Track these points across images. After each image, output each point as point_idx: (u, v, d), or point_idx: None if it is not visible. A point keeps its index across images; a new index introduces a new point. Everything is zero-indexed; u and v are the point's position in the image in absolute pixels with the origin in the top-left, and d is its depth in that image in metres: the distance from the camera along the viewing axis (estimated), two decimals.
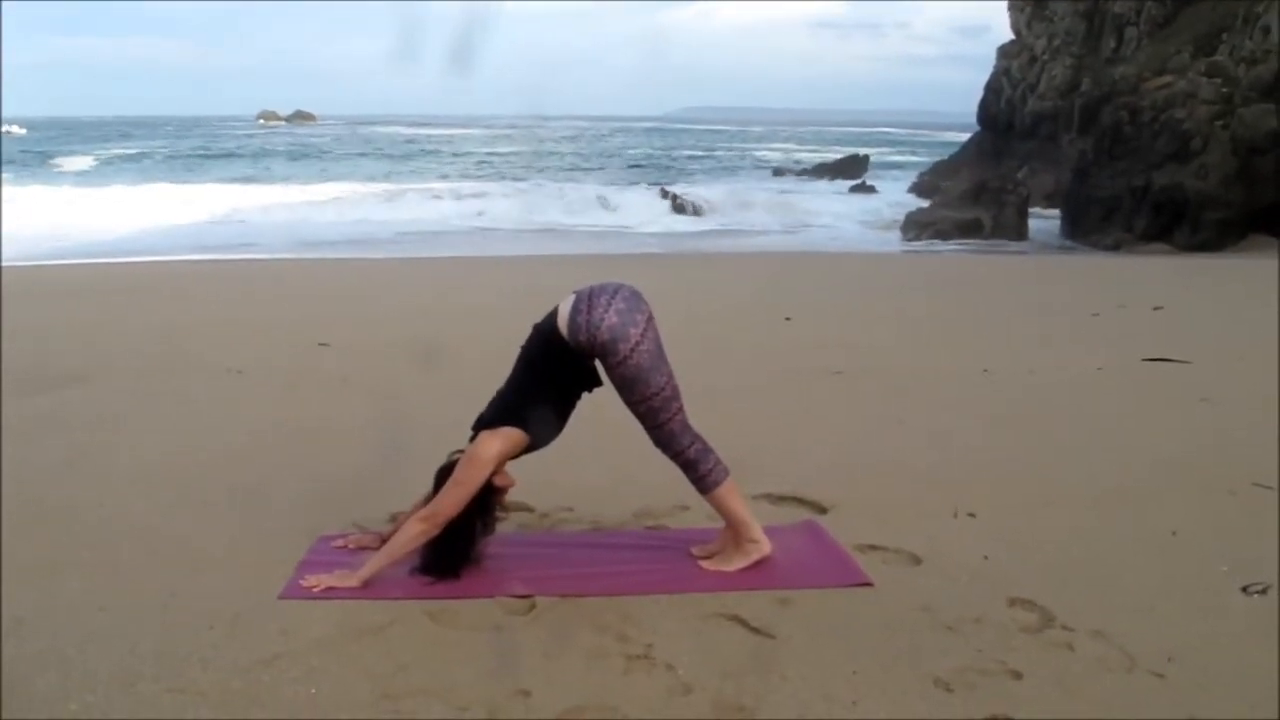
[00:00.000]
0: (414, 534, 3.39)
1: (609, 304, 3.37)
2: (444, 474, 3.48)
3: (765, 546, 3.59)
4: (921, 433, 5.45)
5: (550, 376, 3.47)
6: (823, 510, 4.20)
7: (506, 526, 3.74)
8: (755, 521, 3.62)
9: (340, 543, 3.78)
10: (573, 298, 3.42)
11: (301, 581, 3.40)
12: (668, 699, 2.73)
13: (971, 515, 4.12)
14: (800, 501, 4.30)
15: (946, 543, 3.81)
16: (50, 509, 4.20)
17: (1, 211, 20.40)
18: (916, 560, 3.66)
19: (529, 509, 4.14)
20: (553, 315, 3.45)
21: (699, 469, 3.57)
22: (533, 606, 3.26)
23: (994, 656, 2.94)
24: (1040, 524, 4.04)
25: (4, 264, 14.23)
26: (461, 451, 3.48)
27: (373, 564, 3.40)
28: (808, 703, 2.71)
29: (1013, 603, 3.29)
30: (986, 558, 3.66)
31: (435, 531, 3.37)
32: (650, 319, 3.44)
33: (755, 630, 3.11)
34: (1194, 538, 3.89)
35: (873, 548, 3.76)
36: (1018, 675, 2.84)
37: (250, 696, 2.73)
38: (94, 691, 2.74)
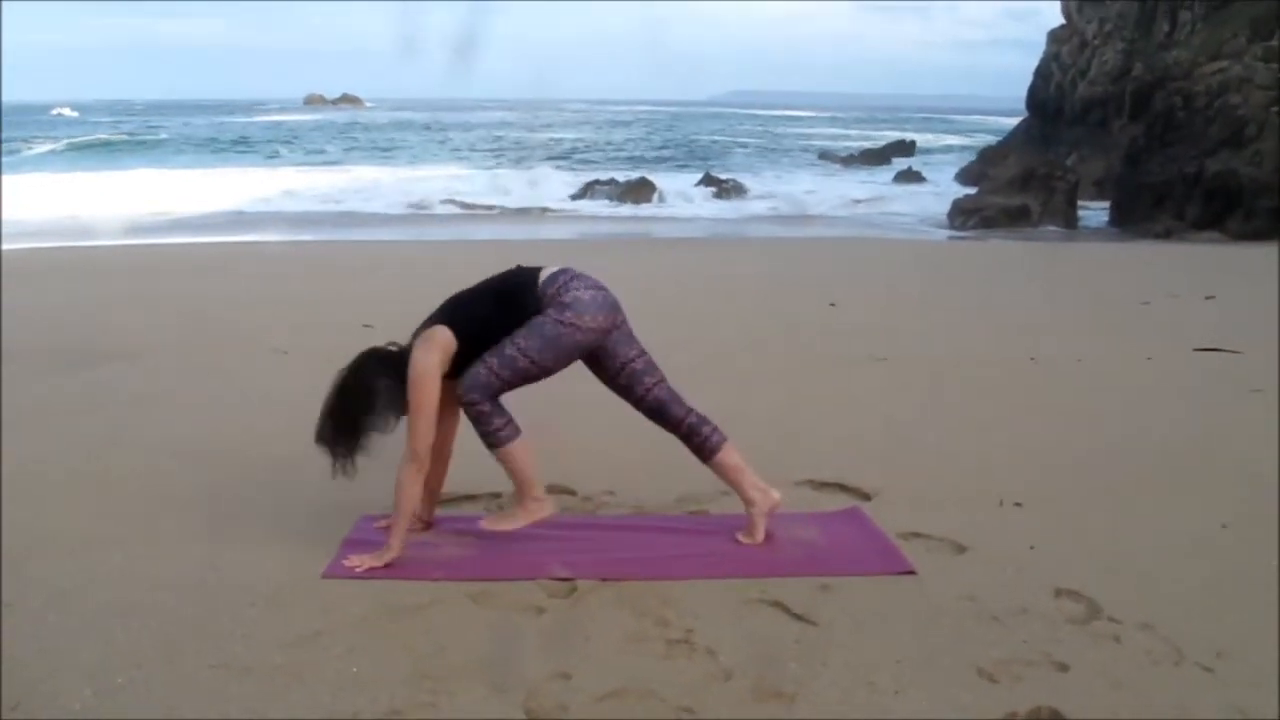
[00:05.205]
0: (405, 478, 3.46)
1: (588, 287, 3.51)
2: None
3: (772, 494, 3.67)
4: (967, 421, 5.39)
5: (500, 295, 3.56)
6: (866, 497, 4.16)
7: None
8: (752, 471, 3.69)
9: (383, 523, 3.78)
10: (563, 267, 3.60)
11: (345, 561, 3.43)
12: (708, 684, 2.71)
13: (1018, 504, 4.07)
14: (843, 488, 4.26)
15: (992, 532, 3.77)
16: (94, 482, 4.27)
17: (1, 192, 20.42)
18: (961, 549, 3.62)
19: (571, 492, 4.13)
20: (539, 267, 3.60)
21: (701, 433, 3.65)
22: (573, 589, 3.26)
23: (1039, 648, 2.90)
24: (1087, 514, 3.98)
25: (54, 245, 14.44)
26: None
27: (394, 530, 3.48)
28: (849, 690, 2.68)
29: (1059, 593, 3.24)
30: (1033, 547, 3.62)
31: (421, 465, 3.46)
32: (612, 330, 3.53)
33: (797, 616, 3.09)
34: (1244, 530, 3.81)
35: (916, 535, 3.73)
36: (1064, 667, 2.80)
37: (292, 673, 2.74)
38: (139, 667, 2.77)
